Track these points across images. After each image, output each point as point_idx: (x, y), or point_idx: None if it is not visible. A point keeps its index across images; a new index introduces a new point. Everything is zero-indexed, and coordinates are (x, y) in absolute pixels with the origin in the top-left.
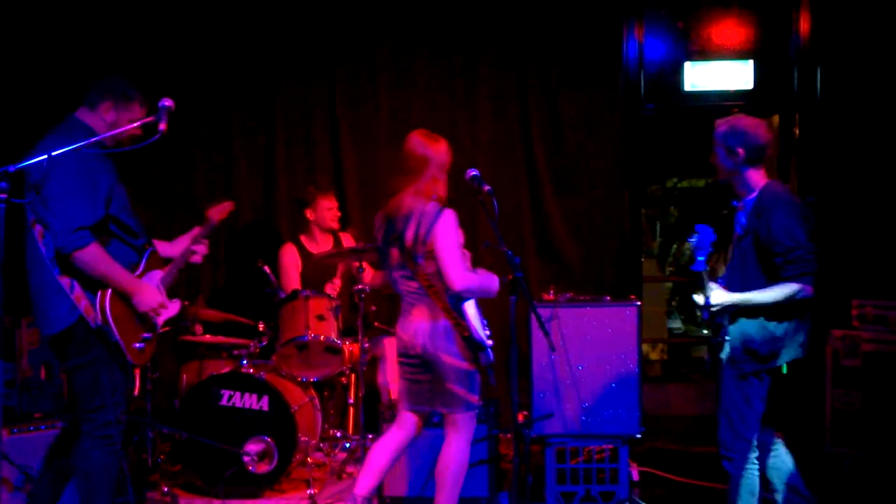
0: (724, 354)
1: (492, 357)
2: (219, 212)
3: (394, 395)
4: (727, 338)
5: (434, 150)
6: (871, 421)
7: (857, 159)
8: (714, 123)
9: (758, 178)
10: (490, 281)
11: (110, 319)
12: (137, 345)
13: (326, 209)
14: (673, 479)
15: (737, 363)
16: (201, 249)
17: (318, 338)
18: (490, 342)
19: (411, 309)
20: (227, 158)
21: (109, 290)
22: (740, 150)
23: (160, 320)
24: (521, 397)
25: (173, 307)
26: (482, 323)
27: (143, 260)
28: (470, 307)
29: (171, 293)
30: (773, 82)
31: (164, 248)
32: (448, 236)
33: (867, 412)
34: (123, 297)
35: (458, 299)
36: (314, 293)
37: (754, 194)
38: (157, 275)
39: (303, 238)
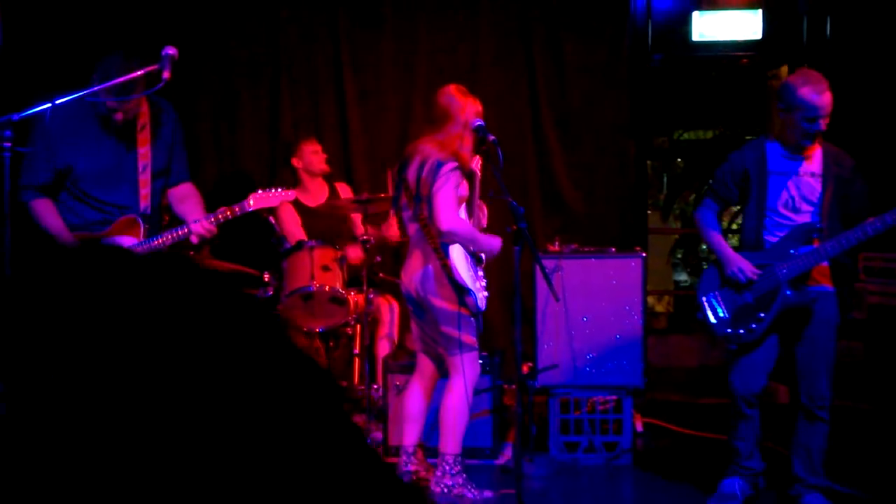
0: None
1: (478, 303)
2: (263, 199)
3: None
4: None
5: (460, 105)
6: (875, 373)
7: (866, 110)
8: (805, 91)
9: None
10: (487, 238)
11: None
12: None
13: (311, 153)
14: (677, 430)
15: (843, 310)
16: (198, 229)
17: (323, 288)
18: (484, 292)
19: (411, 252)
20: (231, 110)
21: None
22: None
23: None
24: (525, 348)
25: None
26: (475, 272)
27: (111, 223)
28: (456, 252)
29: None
30: (783, 32)
31: (188, 209)
32: (446, 181)
33: (870, 364)
34: None
35: (444, 241)
36: (319, 243)
37: (815, 147)
38: (126, 241)
39: (294, 191)
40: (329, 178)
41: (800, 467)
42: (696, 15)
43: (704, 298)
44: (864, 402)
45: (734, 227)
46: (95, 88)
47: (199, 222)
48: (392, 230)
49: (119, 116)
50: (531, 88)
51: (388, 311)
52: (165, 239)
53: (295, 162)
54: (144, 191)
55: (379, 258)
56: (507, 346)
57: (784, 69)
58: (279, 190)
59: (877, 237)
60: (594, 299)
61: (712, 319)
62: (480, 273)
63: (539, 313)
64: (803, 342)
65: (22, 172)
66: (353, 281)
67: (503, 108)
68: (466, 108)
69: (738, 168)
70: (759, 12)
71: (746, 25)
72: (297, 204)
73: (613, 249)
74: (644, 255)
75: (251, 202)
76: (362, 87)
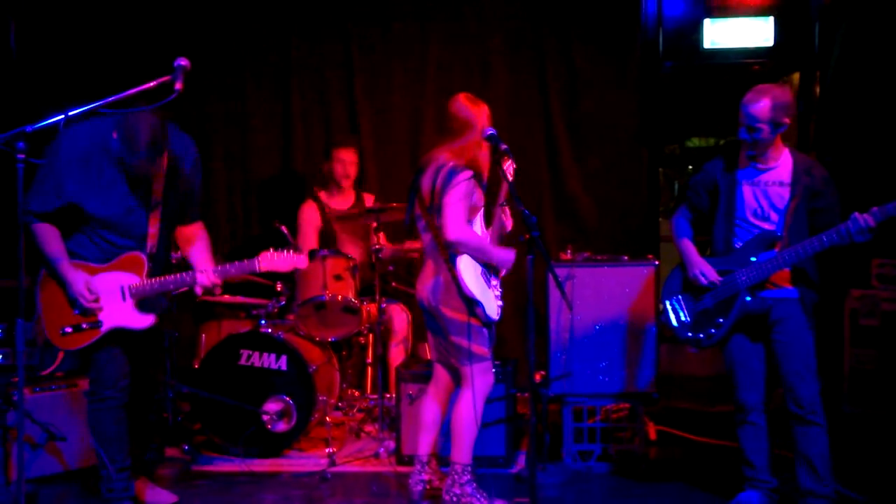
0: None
1: (487, 313)
2: (274, 262)
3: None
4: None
5: (473, 113)
6: (888, 380)
7: (877, 118)
8: (743, 101)
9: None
10: (499, 251)
11: (37, 298)
12: (66, 328)
13: (337, 161)
14: (689, 438)
15: (809, 312)
16: (204, 281)
17: (335, 298)
18: (499, 302)
19: (425, 262)
20: (242, 119)
21: (43, 272)
22: (786, 120)
23: (105, 317)
24: (538, 357)
25: (132, 319)
26: (487, 282)
27: (113, 260)
28: (465, 262)
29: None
30: (794, 40)
31: (196, 254)
32: (457, 190)
33: (884, 372)
34: (61, 281)
35: (452, 252)
36: (332, 253)
37: (786, 156)
38: (128, 279)
39: (322, 194)
40: (357, 186)
41: (805, 478)
42: (707, 22)
43: (668, 301)
44: (877, 409)
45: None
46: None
47: (205, 274)
48: (414, 243)
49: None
50: (543, 97)
51: (402, 320)
52: (168, 282)
53: (325, 167)
54: (153, 230)
55: (392, 267)
56: (520, 355)
57: (796, 76)
58: (291, 253)
59: (888, 245)
60: (607, 308)
61: (674, 322)
62: (495, 282)
63: (552, 322)
64: (778, 348)
65: (29, 196)
66: (365, 290)
67: (515, 117)
68: (480, 115)
69: (709, 177)
70: (771, 19)
71: (758, 32)
72: (321, 206)
73: (626, 258)
74: (657, 263)
75: (261, 264)
76: (373, 96)
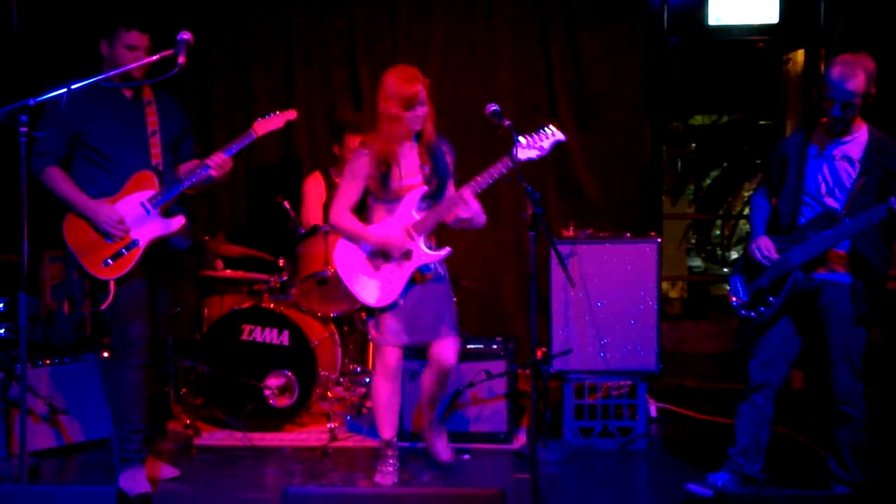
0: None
1: (362, 299)
2: (267, 124)
3: None
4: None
5: (387, 86)
6: (893, 359)
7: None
8: (834, 77)
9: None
10: (379, 234)
11: (66, 241)
12: (107, 259)
13: (348, 149)
14: (691, 415)
15: (859, 301)
16: (216, 161)
17: (337, 273)
18: (391, 287)
19: None
20: (246, 92)
21: (68, 215)
22: (874, 90)
23: (139, 235)
24: (539, 333)
25: (164, 225)
26: (374, 266)
27: (124, 184)
28: (341, 247)
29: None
30: (799, 16)
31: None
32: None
33: (889, 350)
34: (86, 219)
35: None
36: (333, 228)
37: (863, 132)
38: (145, 194)
39: (332, 171)
40: None
41: (833, 463)
42: None
43: (732, 279)
44: (883, 388)
45: (745, 212)
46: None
47: (212, 157)
48: None
49: (129, 94)
50: (547, 73)
51: None
52: (182, 178)
53: (336, 150)
54: (155, 150)
55: None
56: (521, 332)
57: (800, 53)
58: (279, 113)
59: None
60: (609, 285)
61: (734, 301)
62: (389, 266)
63: (554, 299)
64: (817, 333)
65: (36, 145)
66: None
67: (519, 93)
68: (391, 88)
69: (781, 152)
70: None
71: (762, 9)
72: (328, 180)
73: (628, 235)
74: (659, 240)
75: (256, 131)
76: (377, 73)
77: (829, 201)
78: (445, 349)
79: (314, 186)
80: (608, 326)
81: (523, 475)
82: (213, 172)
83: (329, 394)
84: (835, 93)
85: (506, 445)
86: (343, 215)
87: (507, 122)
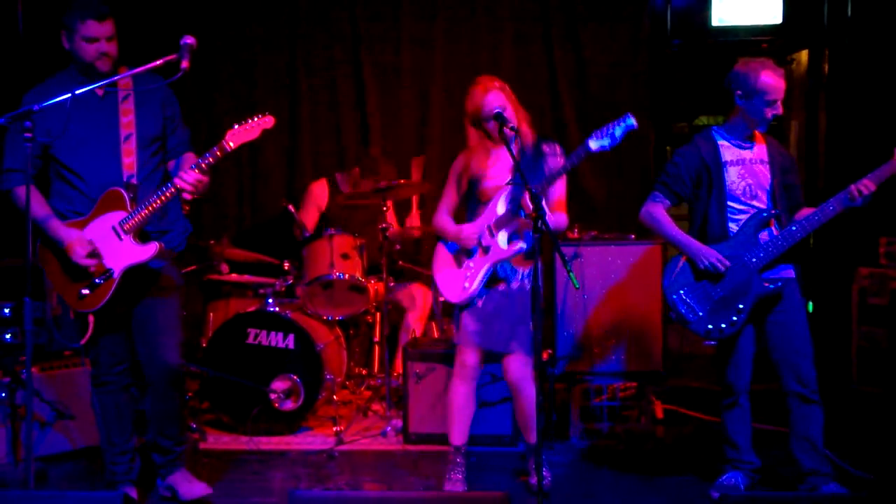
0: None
1: (446, 295)
2: (241, 134)
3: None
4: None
5: (471, 96)
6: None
7: (887, 95)
8: (773, 78)
9: None
10: (453, 229)
11: (43, 269)
12: (82, 290)
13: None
14: (697, 416)
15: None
16: (186, 179)
17: (342, 276)
18: (467, 284)
19: None
20: (250, 99)
21: (40, 241)
22: None
23: (113, 264)
24: (545, 335)
25: (137, 253)
26: (458, 263)
27: (95, 203)
28: (438, 246)
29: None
30: (803, 16)
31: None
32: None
33: (893, 350)
34: (57, 248)
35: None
36: (339, 231)
37: (758, 135)
38: (116, 216)
39: (339, 176)
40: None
41: (807, 460)
42: (715, 0)
43: (674, 297)
44: (887, 387)
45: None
46: (113, 80)
47: (180, 176)
48: (414, 221)
49: (100, 92)
50: (550, 73)
51: (421, 299)
52: (152, 201)
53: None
54: (128, 160)
55: (399, 247)
56: None
57: (804, 54)
58: (255, 119)
59: None
60: (613, 286)
61: (690, 318)
62: (471, 263)
63: (559, 300)
64: (777, 329)
65: (4, 157)
66: (373, 269)
67: (522, 94)
68: (473, 97)
69: (693, 162)
70: None
71: (766, 10)
72: (333, 187)
73: (633, 236)
74: (663, 241)
75: (230, 142)
76: (379, 74)
77: (756, 203)
78: (511, 364)
79: (318, 192)
80: (613, 328)
81: (529, 478)
82: (185, 195)
83: (335, 397)
84: (779, 93)
85: (511, 448)
86: (438, 217)
87: (511, 124)
